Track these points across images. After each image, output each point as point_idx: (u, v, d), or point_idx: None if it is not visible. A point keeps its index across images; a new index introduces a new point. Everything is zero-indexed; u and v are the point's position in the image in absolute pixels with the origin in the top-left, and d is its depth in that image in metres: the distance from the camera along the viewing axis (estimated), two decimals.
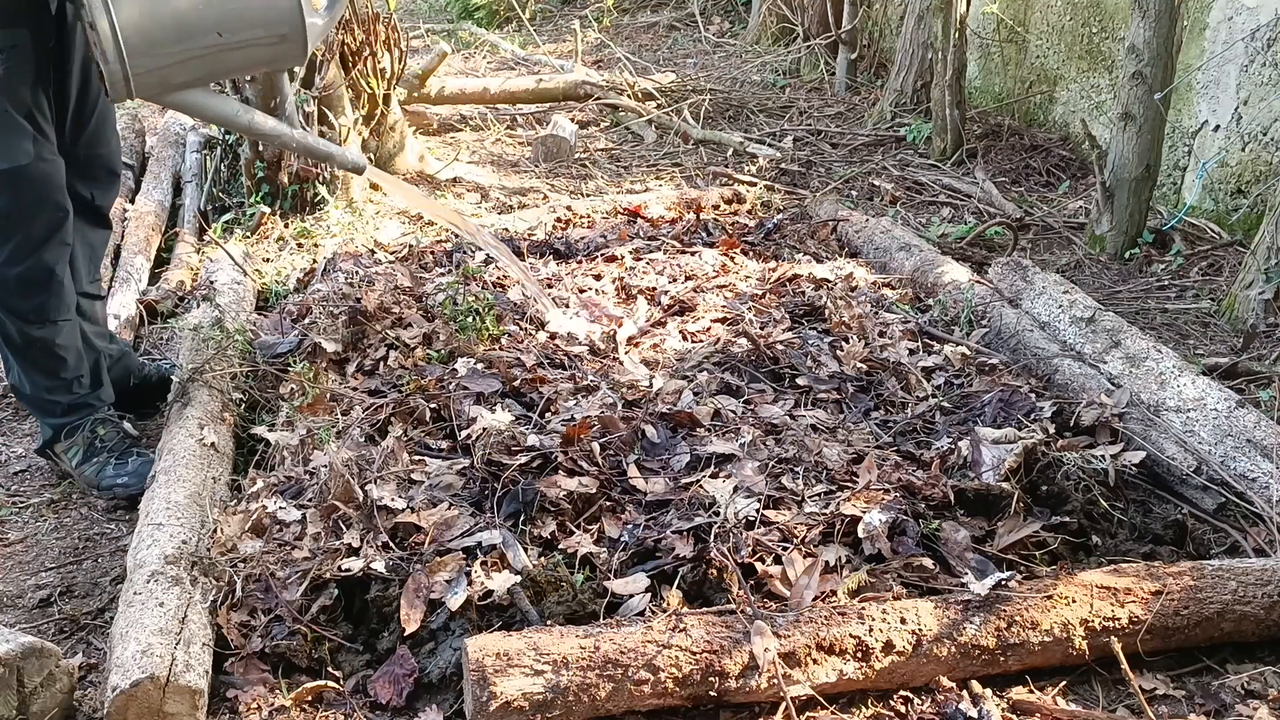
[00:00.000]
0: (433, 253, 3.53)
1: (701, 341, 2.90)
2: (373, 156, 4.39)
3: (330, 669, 1.86)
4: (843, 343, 2.84)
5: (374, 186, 4.30)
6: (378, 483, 2.14)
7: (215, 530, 2.05)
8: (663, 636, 1.73)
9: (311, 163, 3.98)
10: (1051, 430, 2.33)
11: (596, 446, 2.28)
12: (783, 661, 1.74)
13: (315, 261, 3.56)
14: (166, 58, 1.93)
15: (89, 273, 2.56)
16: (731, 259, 3.47)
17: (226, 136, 4.24)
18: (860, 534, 2.03)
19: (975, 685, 1.81)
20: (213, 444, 2.34)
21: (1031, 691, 1.83)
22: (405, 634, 1.87)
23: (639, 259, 3.45)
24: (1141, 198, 3.79)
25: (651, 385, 2.60)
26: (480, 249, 3.04)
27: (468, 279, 3.00)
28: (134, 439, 2.54)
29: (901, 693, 1.82)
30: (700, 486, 2.19)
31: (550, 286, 3.22)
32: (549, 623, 1.84)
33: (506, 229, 3.82)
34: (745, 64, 6.65)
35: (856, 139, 5.24)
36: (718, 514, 2.09)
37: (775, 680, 1.73)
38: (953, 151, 4.88)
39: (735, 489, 2.17)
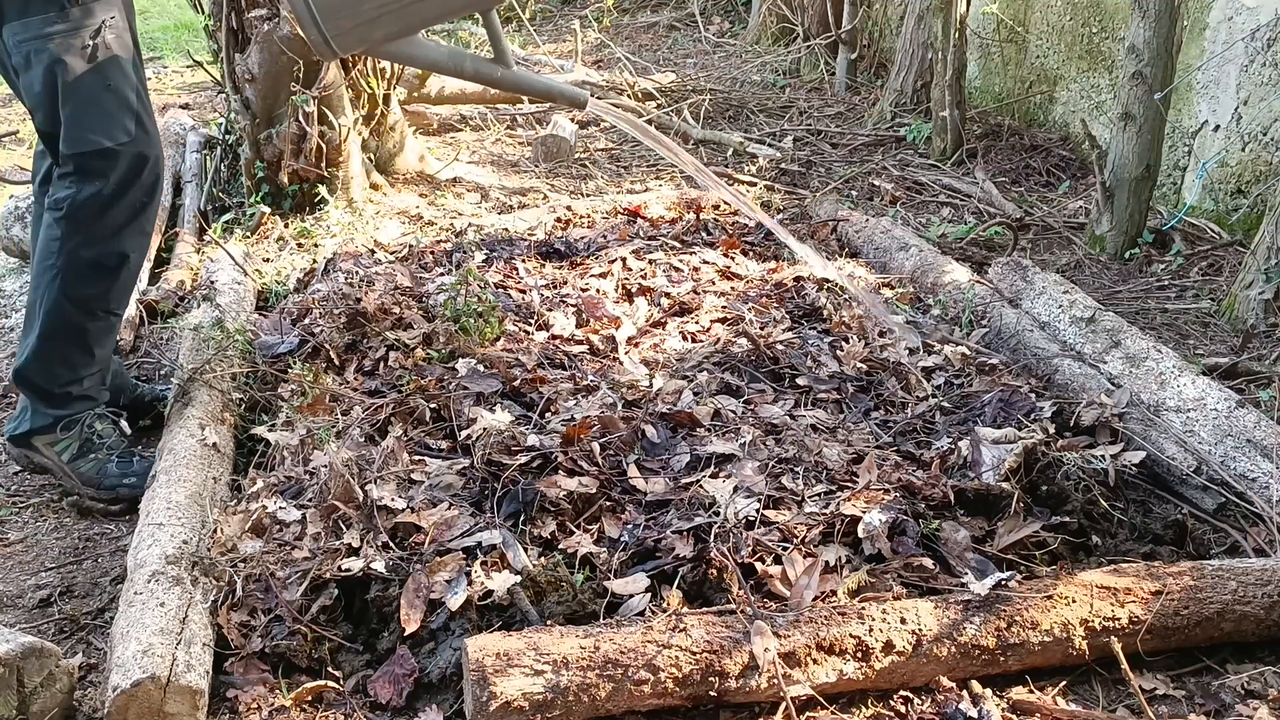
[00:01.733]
0: (433, 253, 3.53)
1: (701, 341, 2.90)
2: (372, 157, 4.39)
3: (330, 669, 1.86)
4: (843, 343, 2.84)
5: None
6: (378, 483, 2.14)
7: (215, 530, 2.05)
8: (663, 636, 1.73)
9: (313, 161, 3.98)
10: (1051, 430, 2.33)
11: (596, 446, 2.28)
12: (783, 661, 1.74)
13: (315, 261, 3.56)
14: (361, 15, 1.89)
15: None
16: (731, 259, 3.47)
17: (226, 137, 4.25)
18: (860, 534, 2.04)
19: (975, 685, 1.81)
20: (213, 444, 2.34)
21: (1031, 691, 1.83)
22: (405, 634, 1.87)
23: (639, 259, 3.45)
24: (1141, 198, 3.79)
25: (651, 385, 2.60)
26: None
27: (468, 279, 3.00)
28: (129, 439, 2.52)
29: (901, 693, 1.82)
30: (700, 486, 2.19)
31: (554, 288, 3.22)
32: (549, 623, 1.84)
33: (507, 229, 3.82)
34: (745, 64, 6.65)
35: (856, 139, 5.24)
36: (718, 514, 2.09)
37: (775, 680, 1.73)
38: (953, 151, 4.88)
39: (735, 489, 2.17)
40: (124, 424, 2.54)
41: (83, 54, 2.12)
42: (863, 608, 1.82)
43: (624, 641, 1.72)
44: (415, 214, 4.15)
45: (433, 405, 2.46)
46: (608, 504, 2.16)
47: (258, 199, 3.96)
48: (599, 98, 5.63)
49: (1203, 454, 2.32)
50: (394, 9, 1.91)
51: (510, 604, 1.88)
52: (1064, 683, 1.86)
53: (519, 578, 1.90)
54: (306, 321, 2.89)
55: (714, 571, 1.94)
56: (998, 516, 2.13)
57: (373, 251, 3.59)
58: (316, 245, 3.76)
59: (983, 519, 2.13)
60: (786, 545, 2.01)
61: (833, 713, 1.77)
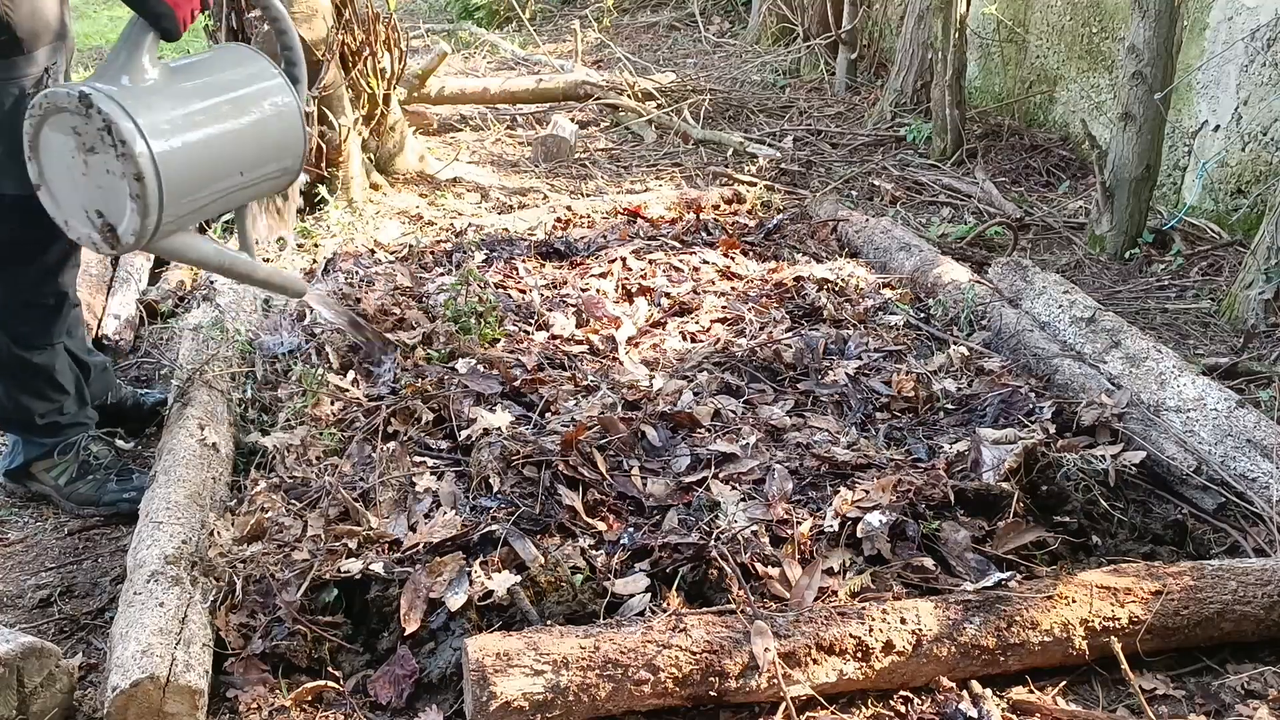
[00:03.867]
0: (433, 253, 3.53)
1: (701, 342, 2.90)
2: (372, 157, 4.39)
3: (330, 669, 1.86)
4: (843, 343, 2.84)
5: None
6: (378, 488, 2.14)
7: (214, 531, 2.05)
8: (663, 636, 1.73)
9: (313, 161, 3.98)
10: (1052, 430, 2.33)
11: (597, 452, 2.28)
12: (783, 661, 1.74)
13: (315, 261, 3.56)
14: (190, 204, 1.84)
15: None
16: (732, 259, 3.47)
17: None
18: (860, 535, 2.04)
19: (975, 685, 1.81)
20: (213, 444, 2.34)
21: (1031, 691, 1.83)
22: (405, 634, 1.87)
23: (639, 259, 3.45)
24: (1141, 198, 3.79)
25: (651, 385, 2.60)
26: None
27: (469, 280, 3.00)
28: (127, 455, 2.50)
29: (901, 693, 1.81)
30: (701, 487, 2.19)
31: (554, 288, 3.22)
32: (549, 623, 1.84)
33: (507, 229, 3.82)
34: (745, 64, 6.65)
35: (856, 139, 5.24)
36: (718, 515, 2.09)
37: (775, 680, 1.73)
38: (953, 151, 4.88)
39: (735, 489, 2.17)
40: (120, 442, 2.51)
41: (22, 102, 2.05)
42: (863, 608, 1.82)
43: (624, 641, 1.72)
44: (415, 214, 4.15)
45: (432, 406, 2.46)
46: (608, 505, 2.16)
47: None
48: (598, 98, 5.64)
49: (1203, 454, 2.32)
50: (217, 199, 1.89)
51: (510, 604, 1.88)
52: (1064, 683, 1.86)
53: (519, 578, 1.90)
54: (306, 322, 2.89)
55: (714, 571, 1.94)
56: (998, 516, 2.13)
57: (373, 251, 3.59)
58: (316, 245, 3.76)
59: (983, 519, 2.13)
60: (787, 546, 2.01)
61: (833, 713, 1.77)
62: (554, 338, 2.90)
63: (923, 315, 3.08)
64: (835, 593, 1.93)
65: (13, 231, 2.16)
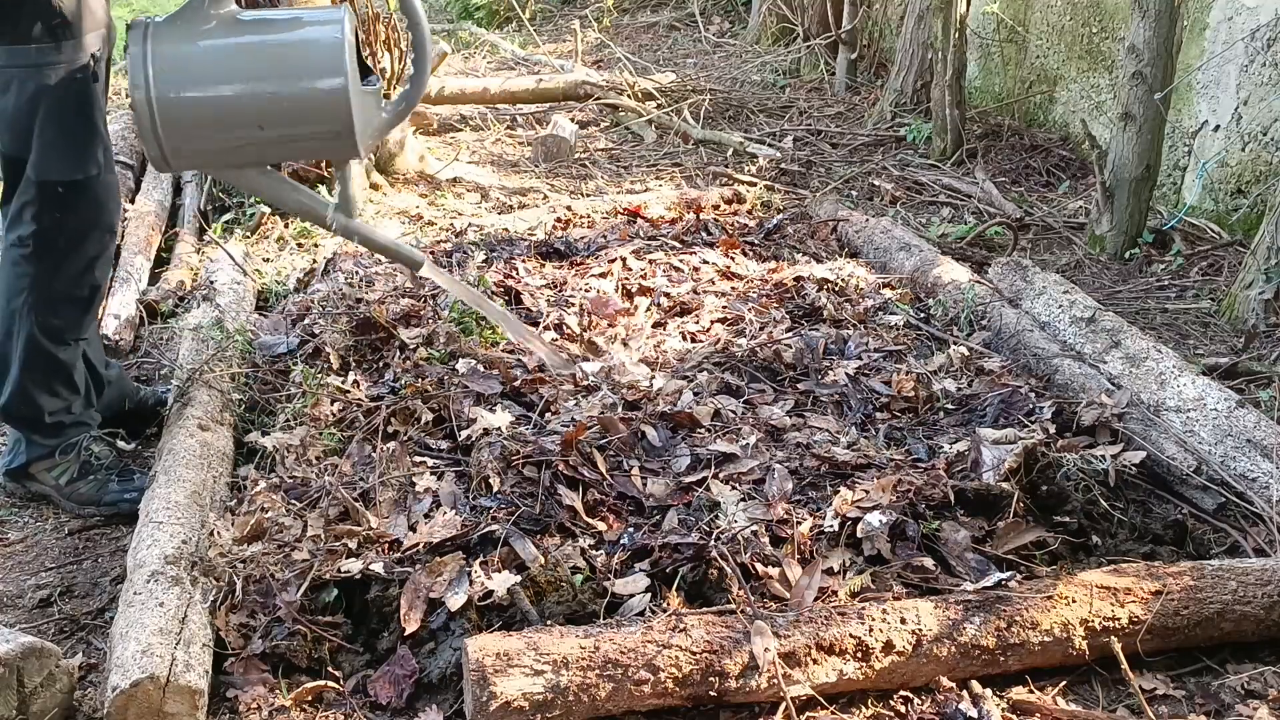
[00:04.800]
0: (433, 253, 3.53)
1: (701, 342, 2.90)
2: (373, 156, 4.39)
3: (330, 669, 1.86)
4: (843, 343, 2.84)
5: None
6: (378, 488, 2.14)
7: (214, 531, 2.05)
8: (663, 636, 1.73)
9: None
10: (1052, 430, 2.33)
11: (597, 451, 2.28)
12: (783, 661, 1.74)
13: (315, 261, 3.56)
14: (205, 142, 1.93)
15: None
16: (732, 259, 3.47)
17: None
18: (860, 535, 2.04)
19: (975, 685, 1.81)
20: (213, 444, 2.34)
21: (1031, 691, 1.83)
22: (405, 634, 1.87)
23: (639, 259, 3.45)
24: (1141, 198, 3.79)
25: (651, 385, 2.60)
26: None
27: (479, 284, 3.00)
28: (128, 456, 2.51)
29: (901, 693, 1.81)
30: (701, 487, 2.19)
31: (554, 288, 3.22)
32: (549, 623, 1.84)
33: (507, 229, 3.82)
34: (745, 64, 6.65)
35: (856, 139, 5.24)
36: (718, 515, 2.09)
37: (775, 680, 1.73)
38: (953, 151, 4.88)
39: (735, 489, 2.17)
40: (120, 443, 2.51)
41: (69, 87, 2.10)
42: (863, 608, 1.82)
43: (624, 641, 1.72)
44: (415, 214, 4.15)
45: (432, 406, 2.46)
46: (608, 505, 2.16)
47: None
48: (598, 98, 5.64)
49: (1203, 454, 2.32)
50: (239, 145, 1.95)
51: (510, 604, 1.88)
52: (1064, 683, 1.86)
53: (519, 578, 1.90)
54: (306, 321, 2.89)
55: (714, 571, 1.94)
56: (998, 516, 2.13)
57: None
58: (316, 245, 3.76)
59: (983, 519, 2.13)
60: (787, 546, 2.01)
61: (833, 713, 1.77)
62: (554, 338, 2.90)
63: (923, 315, 3.08)
64: (835, 593, 1.93)
65: (56, 219, 2.17)
